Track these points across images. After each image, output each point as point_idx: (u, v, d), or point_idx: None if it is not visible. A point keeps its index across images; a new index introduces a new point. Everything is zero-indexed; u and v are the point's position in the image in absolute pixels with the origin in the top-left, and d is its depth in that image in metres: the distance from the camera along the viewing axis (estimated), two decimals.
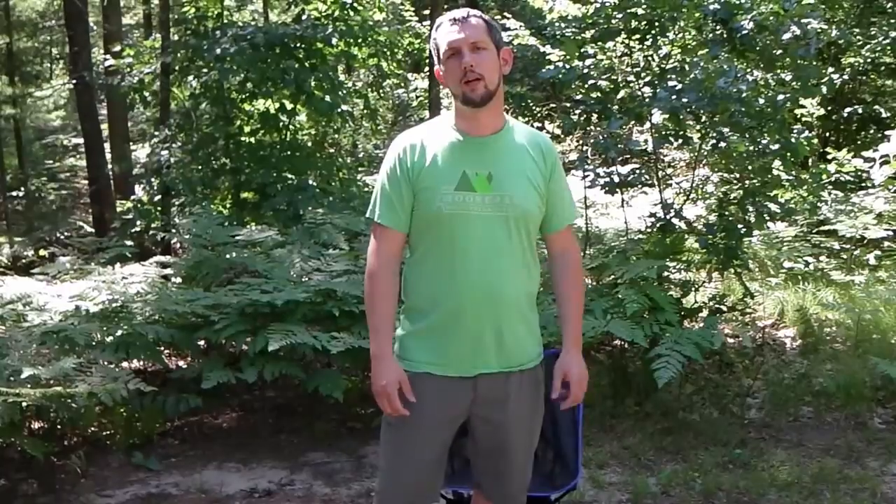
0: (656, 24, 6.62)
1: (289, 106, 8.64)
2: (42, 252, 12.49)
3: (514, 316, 3.05)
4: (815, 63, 6.50)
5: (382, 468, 3.17)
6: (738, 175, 7.35)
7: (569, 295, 3.21)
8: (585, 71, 6.78)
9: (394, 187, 3.00)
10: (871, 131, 13.37)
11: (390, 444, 3.11)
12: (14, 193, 17.50)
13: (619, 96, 6.83)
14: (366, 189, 9.16)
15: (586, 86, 6.94)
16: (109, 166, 13.28)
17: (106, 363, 5.48)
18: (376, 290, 3.03)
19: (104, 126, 14.63)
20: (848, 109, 12.73)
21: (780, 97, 6.25)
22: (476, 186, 2.94)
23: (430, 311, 3.01)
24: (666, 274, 6.46)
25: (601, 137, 6.92)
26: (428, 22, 12.17)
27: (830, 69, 10.11)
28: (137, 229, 9.23)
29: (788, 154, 6.38)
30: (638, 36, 6.87)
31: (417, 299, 3.06)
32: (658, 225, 6.69)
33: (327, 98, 8.41)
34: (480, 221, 2.94)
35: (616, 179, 6.95)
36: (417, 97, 15.92)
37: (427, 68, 12.87)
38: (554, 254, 3.21)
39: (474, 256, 2.94)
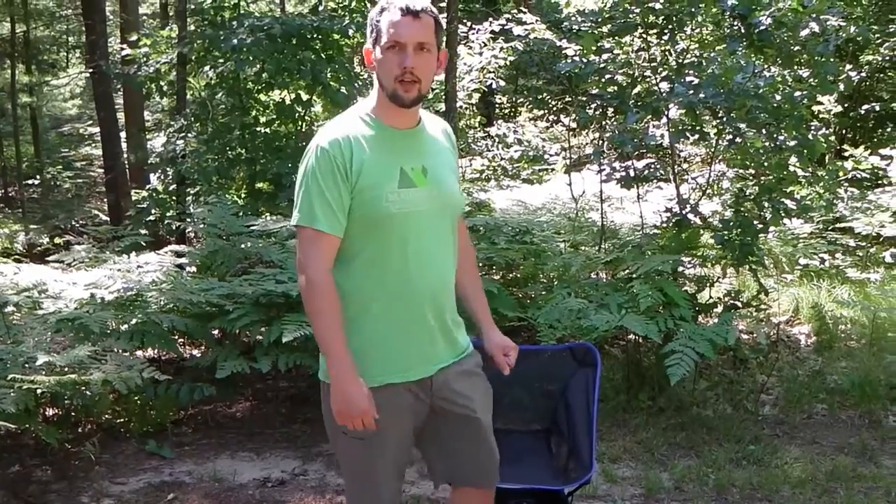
0: (674, 18, 6.60)
1: (305, 97, 8.64)
2: (57, 240, 12.51)
3: (452, 307, 3.05)
4: (832, 60, 6.45)
5: (359, 482, 3.06)
6: (754, 171, 7.33)
7: (474, 280, 3.26)
8: (602, 65, 6.76)
9: (330, 189, 2.78)
10: (889, 129, 13.33)
11: (366, 459, 2.98)
12: (30, 181, 17.59)
13: (635, 91, 6.81)
14: None
15: (603, 80, 6.93)
16: (125, 155, 13.32)
17: (120, 351, 5.51)
18: (325, 306, 2.82)
19: (120, 115, 14.69)
20: (865, 107, 12.69)
21: (798, 93, 6.22)
22: (416, 181, 2.87)
23: (384, 317, 2.90)
24: (681, 269, 6.45)
25: (617, 132, 6.90)
26: (445, 15, 12.12)
27: (848, 66, 10.10)
28: (152, 218, 9.25)
29: (805, 151, 6.34)
30: (655, 31, 6.85)
31: (366, 307, 2.90)
32: (673, 220, 6.68)
33: (343, 89, 8.39)
34: (425, 217, 2.88)
35: (632, 174, 6.94)
36: (432, 89, 15.91)
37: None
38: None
39: (423, 253, 2.89)
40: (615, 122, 7.48)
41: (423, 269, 2.89)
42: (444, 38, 2.92)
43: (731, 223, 6.39)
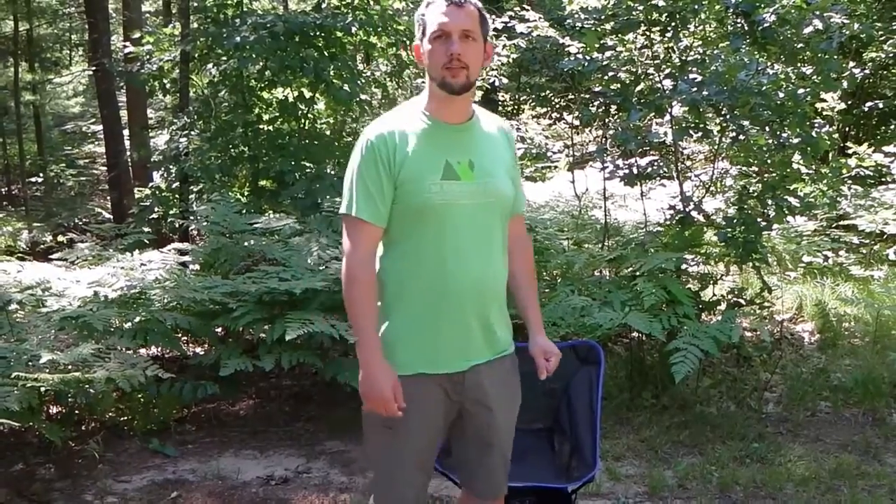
0: (677, 16, 6.58)
1: (307, 94, 8.63)
2: (60, 238, 12.55)
3: (497, 304, 3.05)
4: (836, 57, 6.44)
5: (383, 472, 3.08)
6: (757, 168, 7.31)
7: (528, 281, 3.24)
8: (605, 62, 6.75)
9: (372, 179, 2.87)
10: (892, 126, 13.31)
11: (390, 450, 3.01)
12: (33, 179, 17.60)
13: (638, 88, 6.80)
14: None
15: (606, 77, 6.92)
16: (128, 153, 13.31)
17: (124, 349, 5.52)
18: (361, 293, 2.90)
19: (123, 113, 14.68)
20: (869, 104, 12.68)
21: (801, 91, 6.21)
22: (461, 175, 2.90)
23: (416, 307, 2.93)
24: (684, 267, 6.43)
25: (620, 129, 6.89)
26: None
27: (852, 63, 10.06)
28: (155, 216, 9.26)
29: (808, 148, 6.34)
30: (658, 28, 6.84)
31: (401, 296, 2.95)
32: (677, 217, 6.67)
33: (346, 87, 8.38)
34: (467, 210, 2.90)
35: (635, 171, 6.93)
36: None
37: None
38: (511, 239, 3.14)
39: (463, 247, 2.90)
40: (618, 120, 7.47)
41: (462, 264, 2.90)
42: (489, 30, 2.98)
43: (735, 220, 6.39)
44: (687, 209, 6.64)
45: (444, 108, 2.94)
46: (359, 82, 8.69)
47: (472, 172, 2.92)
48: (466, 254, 2.90)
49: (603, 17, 6.89)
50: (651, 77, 6.85)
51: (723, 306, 6.66)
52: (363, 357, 2.90)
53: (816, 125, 6.70)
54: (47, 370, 4.91)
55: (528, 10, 9.60)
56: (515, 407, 3.19)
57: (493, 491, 3.21)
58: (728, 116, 6.53)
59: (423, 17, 2.91)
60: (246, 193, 8.91)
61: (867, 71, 12.18)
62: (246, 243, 6.74)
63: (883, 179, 10.58)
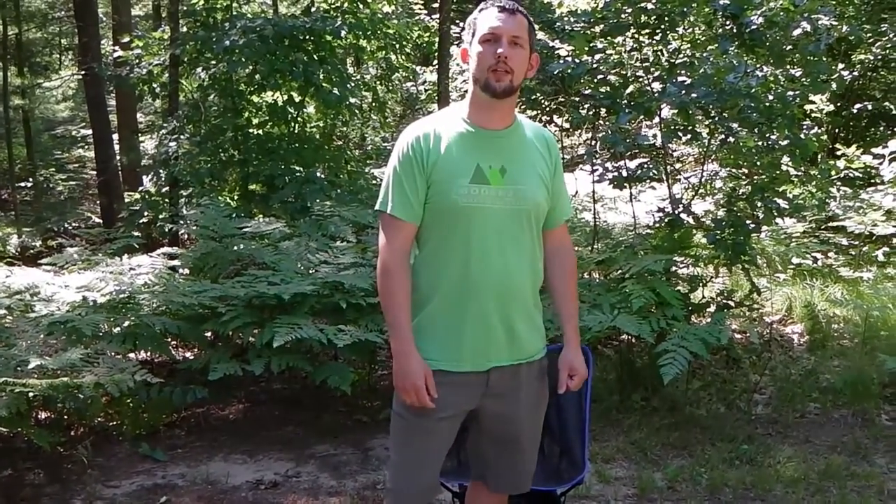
0: (666, 18, 6.60)
1: (297, 98, 8.64)
2: (50, 242, 12.50)
3: (523, 309, 3.07)
4: (824, 59, 6.46)
5: (395, 462, 3.16)
6: (746, 170, 7.33)
7: (568, 292, 3.27)
8: (595, 65, 6.77)
9: (408, 178, 2.97)
10: (881, 128, 13.33)
11: (404, 439, 3.11)
12: (22, 184, 17.52)
13: (628, 91, 6.81)
14: (374, 182, 9.18)
15: (595, 80, 6.93)
16: (118, 157, 13.28)
17: (113, 354, 5.49)
18: (393, 286, 2.98)
19: (113, 117, 14.64)
20: (858, 106, 12.69)
21: (790, 93, 6.23)
22: (490, 179, 2.95)
23: (441, 305, 3.00)
24: (673, 269, 6.45)
25: (610, 132, 6.90)
26: (437, 15, 12.15)
27: (840, 65, 10.10)
28: (145, 220, 9.24)
29: (797, 150, 6.36)
30: (647, 31, 6.85)
31: (428, 293, 3.01)
32: (666, 220, 6.67)
33: (336, 91, 8.40)
34: (494, 214, 2.95)
35: (624, 174, 6.93)
36: (426, 90, 15.90)
37: (436, 61, 12.82)
38: (550, 249, 3.20)
39: (487, 249, 2.95)
40: (608, 123, 7.48)
41: (485, 266, 2.95)
42: (535, 42, 3.05)
43: (724, 223, 6.40)
44: (676, 211, 6.65)
45: (485, 113, 3.01)
46: (348, 86, 8.70)
47: (502, 178, 2.97)
48: (490, 257, 2.96)
49: (592, 20, 6.90)
50: (640, 80, 6.86)
51: (712, 308, 6.67)
52: (396, 348, 2.97)
53: (805, 127, 6.72)
54: (36, 375, 4.89)
55: None
56: (539, 414, 3.25)
57: (510, 487, 3.29)
58: (717, 119, 6.55)
59: (475, 21, 3.00)
60: (235, 197, 8.90)
61: (856, 73, 12.21)
62: (235, 247, 6.72)
63: (872, 181, 10.59)
